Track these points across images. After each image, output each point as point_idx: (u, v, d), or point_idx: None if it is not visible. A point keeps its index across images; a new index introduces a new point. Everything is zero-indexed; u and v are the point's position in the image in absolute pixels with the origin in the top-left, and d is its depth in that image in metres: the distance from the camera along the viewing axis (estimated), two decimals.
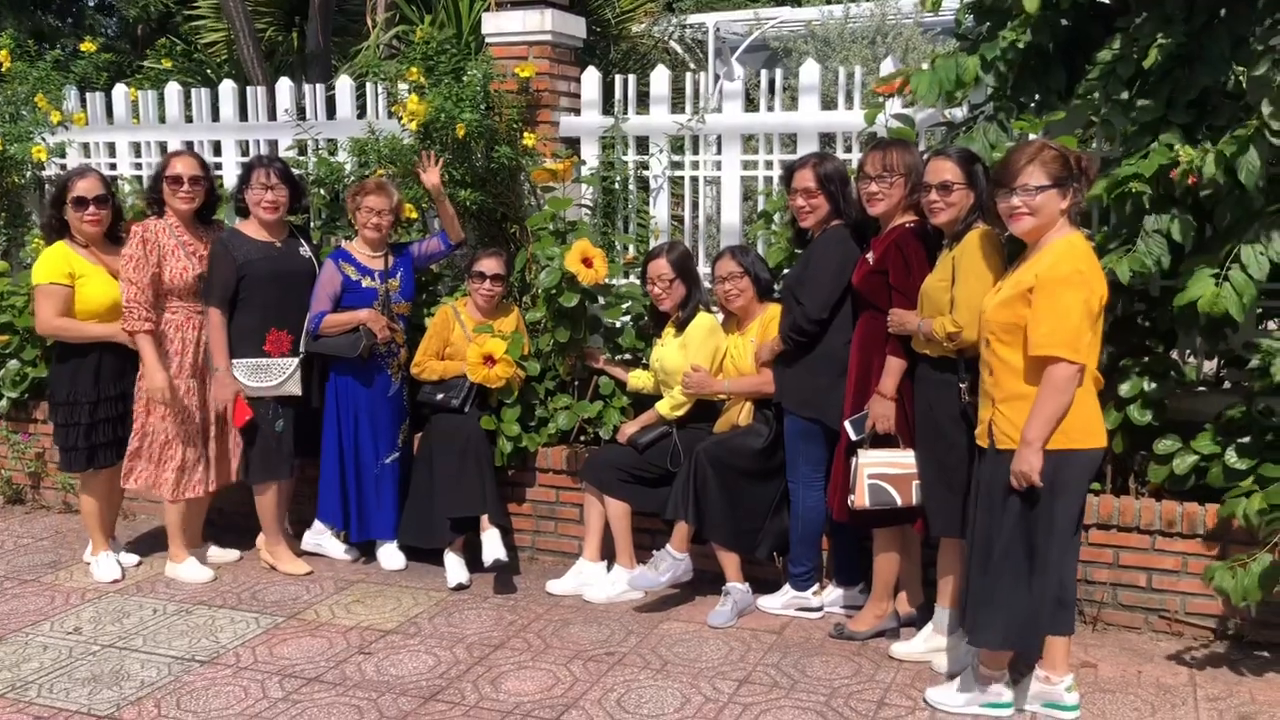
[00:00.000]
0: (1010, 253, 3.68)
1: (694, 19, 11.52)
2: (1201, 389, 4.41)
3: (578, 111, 5.56)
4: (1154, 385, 4.14)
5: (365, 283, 4.87)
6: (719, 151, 5.34)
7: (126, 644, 4.24)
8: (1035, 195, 3.33)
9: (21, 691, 3.85)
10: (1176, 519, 4.11)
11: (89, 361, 4.79)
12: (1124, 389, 4.16)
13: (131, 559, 5.16)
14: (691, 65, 10.79)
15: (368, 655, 4.13)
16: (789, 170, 4.41)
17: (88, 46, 7.12)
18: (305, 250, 4.93)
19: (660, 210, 5.42)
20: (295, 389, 4.81)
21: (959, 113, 4.64)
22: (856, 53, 6.68)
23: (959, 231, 3.70)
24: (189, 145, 6.17)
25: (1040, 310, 3.27)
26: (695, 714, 3.64)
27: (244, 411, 4.76)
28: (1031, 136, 4.06)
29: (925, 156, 3.94)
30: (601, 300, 4.98)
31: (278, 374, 4.77)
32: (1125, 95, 3.92)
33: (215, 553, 5.18)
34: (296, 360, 4.80)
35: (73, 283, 4.74)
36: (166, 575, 4.98)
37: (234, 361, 4.75)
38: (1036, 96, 4.33)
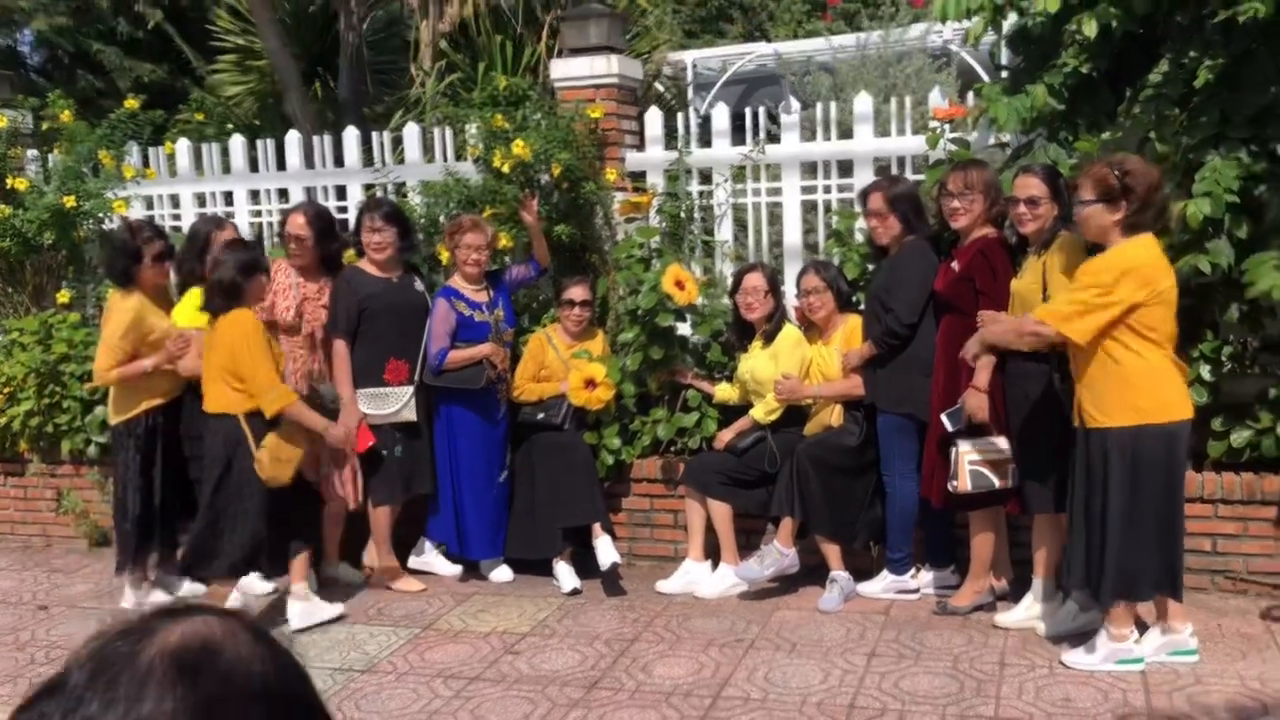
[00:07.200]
0: None
1: (673, 56, 12.02)
2: (1253, 371, 4.89)
3: (639, 147, 5.98)
4: (1209, 369, 4.62)
5: (478, 317, 5.19)
6: (774, 180, 5.79)
7: None
8: (1081, 209, 3.81)
9: None
10: (1236, 488, 4.59)
11: None
12: None
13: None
14: (672, 102, 11.28)
15: (516, 654, 4.44)
16: (863, 194, 4.89)
17: (131, 104, 7.36)
18: (419, 285, 5.26)
19: (725, 235, 5.84)
20: (411, 415, 5.11)
21: (1006, 136, 5.13)
22: (871, 81, 7.19)
23: (1046, 240, 4.17)
24: (254, 194, 6.46)
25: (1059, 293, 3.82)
26: (840, 683, 4.02)
27: (367, 437, 5.05)
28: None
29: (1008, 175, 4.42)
30: (688, 319, 5.37)
31: (395, 402, 5.08)
32: (1176, 113, 4.43)
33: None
34: (412, 389, 5.11)
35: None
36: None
37: (357, 391, 5.05)
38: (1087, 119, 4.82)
